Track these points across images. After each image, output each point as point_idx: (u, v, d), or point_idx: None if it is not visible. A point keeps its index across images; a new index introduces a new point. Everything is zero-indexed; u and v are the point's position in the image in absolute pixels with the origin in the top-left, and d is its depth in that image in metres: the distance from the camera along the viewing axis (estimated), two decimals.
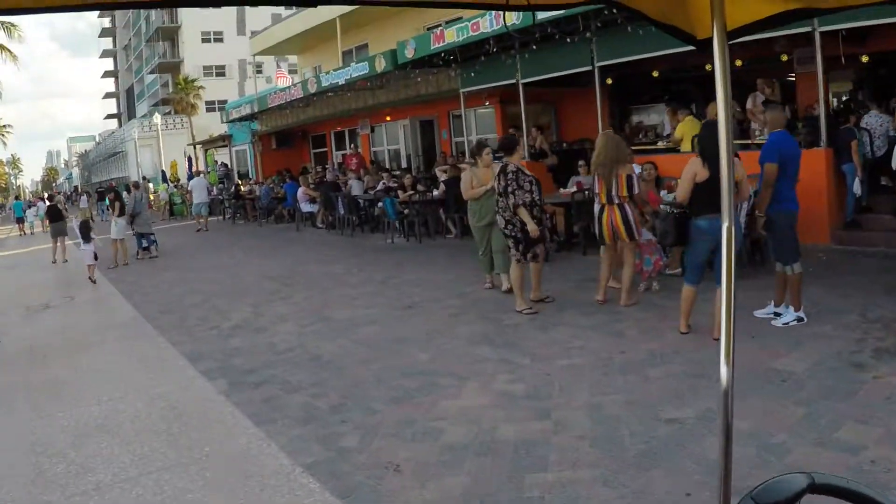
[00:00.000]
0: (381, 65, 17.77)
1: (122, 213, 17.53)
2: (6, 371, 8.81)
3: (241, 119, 29.13)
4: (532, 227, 8.29)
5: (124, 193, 18.80)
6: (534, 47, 14.85)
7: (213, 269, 15.14)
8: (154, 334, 9.67)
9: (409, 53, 16.64)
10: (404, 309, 9.50)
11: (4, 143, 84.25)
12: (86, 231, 15.65)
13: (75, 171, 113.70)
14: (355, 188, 18.64)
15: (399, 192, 16.20)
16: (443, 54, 16.27)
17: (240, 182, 29.71)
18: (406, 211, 15.62)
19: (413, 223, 15.71)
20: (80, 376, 8.05)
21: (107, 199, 44.44)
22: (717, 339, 5.34)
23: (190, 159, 38.18)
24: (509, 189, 8.34)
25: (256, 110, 26.61)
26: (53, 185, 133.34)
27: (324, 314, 9.69)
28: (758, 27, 2.20)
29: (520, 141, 8.68)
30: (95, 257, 15.49)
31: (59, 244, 20.54)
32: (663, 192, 10.32)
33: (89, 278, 15.24)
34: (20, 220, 37.91)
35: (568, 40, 14.04)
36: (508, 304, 8.92)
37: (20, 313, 12.42)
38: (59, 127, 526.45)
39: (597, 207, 8.59)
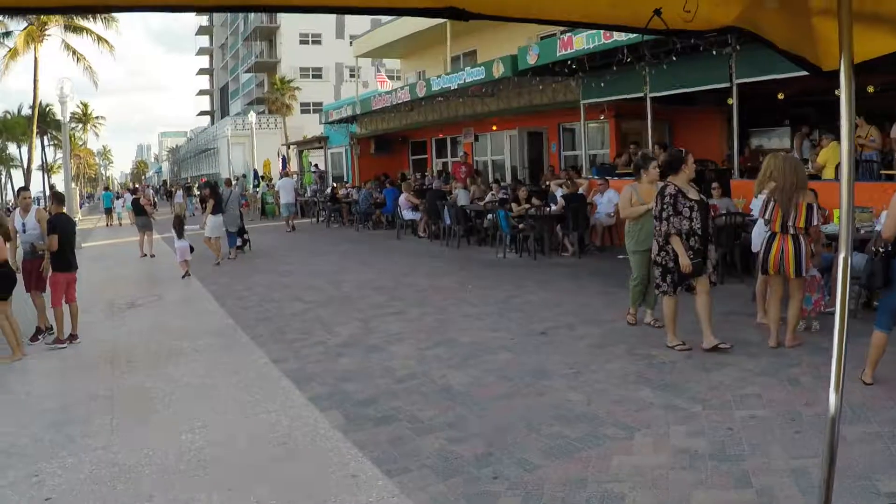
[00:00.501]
0: (498, 70, 17.18)
1: (216, 211, 17.32)
2: (85, 377, 8.34)
3: (340, 121, 28.91)
4: (684, 261, 7.41)
5: (222, 189, 18.55)
6: (671, 59, 14.06)
7: (311, 274, 14.63)
8: (251, 346, 9.08)
9: (532, 59, 15.97)
10: (537, 335, 8.70)
11: (97, 135, 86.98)
12: (179, 227, 15.47)
13: (165, 166, 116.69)
14: (461, 198, 18.02)
15: (513, 204, 15.52)
16: (570, 62, 15.59)
17: (335, 185, 29.50)
18: (521, 225, 14.93)
19: (527, 238, 15.02)
20: (169, 391, 7.45)
21: (193, 195, 45.51)
22: None
23: (284, 159, 38.27)
24: (664, 215, 7.50)
25: (358, 112, 26.28)
26: (143, 177, 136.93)
27: (445, 335, 8.95)
28: (885, 61, 2.15)
29: (687, 159, 7.84)
30: (191, 251, 15.36)
31: (146, 237, 20.62)
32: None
33: (183, 275, 15.03)
34: (108, 211, 38.70)
35: (703, 51, 13.23)
36: (654, 336, 8.14)
37: (104, 311, 12.04)
38: (151, 121, 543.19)
39: (763, 233, 7.78)
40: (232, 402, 6.95)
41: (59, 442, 6.11)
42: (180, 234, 15.37)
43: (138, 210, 21.14)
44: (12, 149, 69.53)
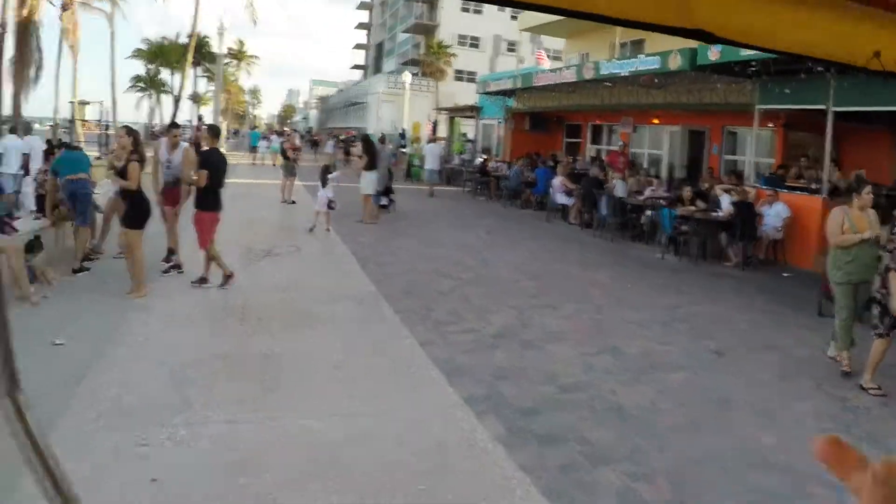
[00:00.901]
0: (675, 62, 16.41)
1: (371, 167, 17.17)
2: (211, 330, 8.02)
3: (498, 93, 28.51)
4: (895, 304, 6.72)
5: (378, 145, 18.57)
6: (861, 74, 13.02)
7: (458, 247, 14.26)
8: (396, 322, 8.62)
9: (713, 56, 15.14)
10: (711, 354, 8.01)
11: (249, 73, 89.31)
12: (325, 176, 15.48)
13: (313, 113, 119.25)
14: (619, 189, 17.42)
15: (678, 204, 14.87)
16: (751, 64, 14.78)
17: (486, 157, 29.23)
18: (684, 227, 14.28)
19: (687, 241, 14.38)
20: (301, 364, 6.98)
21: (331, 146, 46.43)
22: None
23: (435, 124, 38.30)
24: (889, 247, 6.80)
25: (519, 86, 25.76)
26: (289, 121, 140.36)
27: (608, 340, 8.31)
28: None
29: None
30: (331, 206, 15.23)
31: (288, 183, 20.92)
32: None
33: (310, 229, 15.03)
34: (254, 150, 39.81)
35: None
36: (839, 373, 7.38)
37: (240, 257, 11.80)
38: (304, 68, 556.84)
39: None
40: (373, 389, 6.45)
41: (174, 405, 5.65)
42: (324, 184, 15.38)
43: (285, 154, 21.59)
44: (165, 75, 71.87)
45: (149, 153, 11.08)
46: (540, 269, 12.63)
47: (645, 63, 17.70)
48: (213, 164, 9.75)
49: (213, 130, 10.68)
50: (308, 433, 5.37)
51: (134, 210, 9.35)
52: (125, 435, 5.11)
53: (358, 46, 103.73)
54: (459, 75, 58.41)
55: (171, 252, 10.81)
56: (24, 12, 26.47)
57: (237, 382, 6.36)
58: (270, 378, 6.51)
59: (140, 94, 74.91)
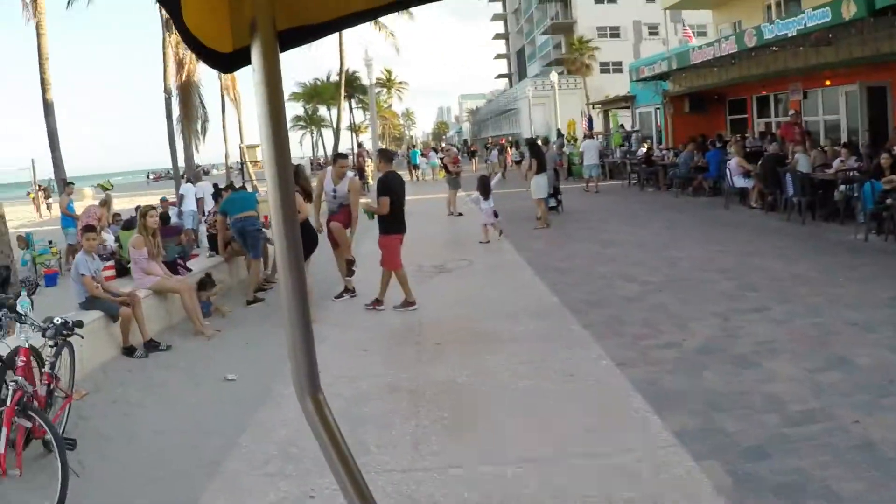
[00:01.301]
0: (849, 11, 14.48)
1: (540, 170, 16.13)
2: (385, 358, 7.53)
3: (651, 78, 26.85)
4: None
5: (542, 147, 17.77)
6: None
7: (637, 246, 13.05)
8: (585, 338, 7.65)
9: None
10: None
11: (400, 98, 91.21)
12: (485, 187, 14.68)
13: (465, 126, 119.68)
14: (802, 164, 15.57)
15: (880, 174, 12.97)
16: None
17: (648, 146, 27.65)
18: (888, 201, 12.32)
19: (894, 217, 12.35)
20: (486, 392, 6.23)
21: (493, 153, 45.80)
22: None
23: (590, 119, 36.93)
24: None
25: (675, 67, 23.93)
26: (443, 137, 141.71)
27: (831, 350, 6.80)
28: None
29: None
30: (496, 215, 14.50)
31: (453, 195, 20.33)
32: None
33: (482, 241, 14.39)
34: (415, 167, 40.19)
35: None
36: None
37: (412, 274, 10.92)
38: (450, 85, 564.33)
39: None
40: (569, 425, 5.48)
41: None
42: (486, 195, 14.61)
43: (447, 168, 21.24)
44: (322, 111, 75.60)
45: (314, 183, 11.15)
46: (733, 264, 11.14)
47: (813, 17, 15.77)
48: (393, 189, 9.57)
49: (387, 155, 10.56)
50: (496, 483, 4.56)
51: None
52: (293, 483, 4.71)
53: (499, 56, 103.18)
54: (605, 67, 56.56)
55: (351, 264, 10.65)
56: (184, 76, 28.86)
57: (415, 421, 5.72)
58: (451, 415, 5.81)
59: (302, 132, 78.67)
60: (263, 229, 11.47)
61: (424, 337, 8.19)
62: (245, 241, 11.23)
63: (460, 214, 19.77)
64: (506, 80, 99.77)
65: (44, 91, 23.65)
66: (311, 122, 78.46)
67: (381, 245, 9.75)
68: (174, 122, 30.23)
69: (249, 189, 19.34)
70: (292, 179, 1.16)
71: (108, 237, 15.39)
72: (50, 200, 40.44)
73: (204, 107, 35.31)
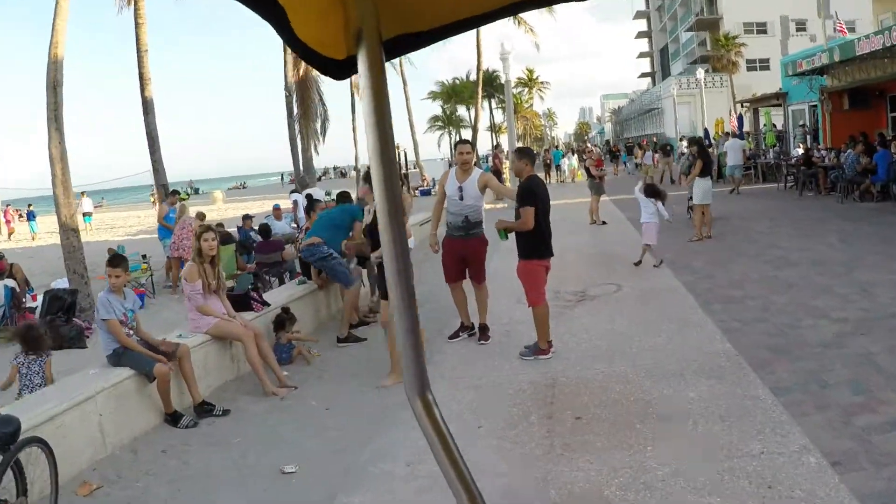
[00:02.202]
0: None
1: (705, 173, 14.02)
2: (503, 445, 5.34)
3: (809, 72, 24.00)
4: None
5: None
6: None
7: (814, 265, 10.63)
8: (779, 415, 5.37)
9: None
10: None
11: (542, 98, 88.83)
12: (656, 196, 11.92)
13: (608, 126, 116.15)
14: None
15: None
16: None
17: (806, 146, 24.82)
18: None
19: None
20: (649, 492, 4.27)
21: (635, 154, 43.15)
22: None
23: (740, 118, 33.97)
24: None
25: (837, 59, 20.90)
26: (585, 137, 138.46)
27: None
28: None
29: None
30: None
31: (596, 202, 18.15)
32: None
33: (637, 262, 11.84)
34: (557, 168, 38.31)
35: None
36: None
37: (549, 302, 9.38)
38: (591, 85, 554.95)
39: None
40: None
41: None
42: (659, 200, 11.87)
43: (589, 172, 19.07)
44: (461, 111, 73.43)
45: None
46: None
47: None
48: (540, 197, 7.32)
49: (527, 154, 7.84)
50: None
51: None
52: None
53: (641, 55, 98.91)
54: (751, 65, 52.62)
55: (464, 328, 8.57)
56: (301, 72, 25.87)
57: None
58: None
59: (440, 132, 77.20)
60: (335, 254, 9.12)
61: (559, 406, 6.06)
62: (319, 271, 9.63)
63: (604, 223, 17.69)
64: (648, 80, 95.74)
65: (142, 87, 20.40)
66: (449, 122, 76.63)
67: (520, 273, 7.58)
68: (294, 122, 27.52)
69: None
70: (398, 182, 1.12)
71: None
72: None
73: (324, 104, 32.93)
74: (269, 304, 8.46)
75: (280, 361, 7.88)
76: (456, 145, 8.68)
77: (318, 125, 32.28)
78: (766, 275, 10.45)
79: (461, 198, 8.07)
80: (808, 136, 26.12)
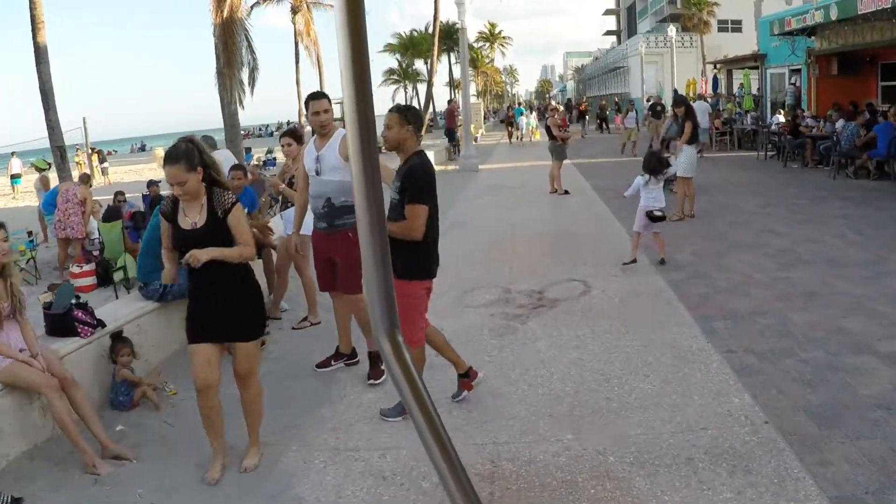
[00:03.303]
0: None
1: (692, 139, 11.61)
2: None
3: (800, 31, 21.55)
4: None
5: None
6: None
7: (828, 263, 8.35)
8: (796, 475, 3.75)
9: None
10: None
11: (503, 54, 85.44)
12: (658, 166, 8.99)
13: (570, 85, 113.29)
14: None
15: None
16: None
17: (794, 113, 22.55)
18: None
19: None
20: None
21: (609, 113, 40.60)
22: None
23: (715, 79, 31.54)
24: None
25: (834, 17, 18.29)
26: (547, 95, 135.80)
27: None
28: None
29: None
30: (653, 219, 8.80)
31: (557, 169, 15.60)
32: None
33: (629, 261, 8.90)
34: (516, 127, 36.03)
35: None
36: None
37: (487, 309, 7.08)
38: (555, 43, 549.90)
39: None
40: None
41: None
42: (659, 177, 8.94)
43: (550, 134, 16.40)
44: (419, 65, 68.98)
45: None
46: None
47: None
48: (432, 192, 4.71)
49: (409, 115, 4.82)
50: None
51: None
52: None
53: (608, 12, 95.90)
54: (723, 26, 50.11)
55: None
56: (226, 12, 21.82)
57: None
58: None
59: (395, 86, 73.24)
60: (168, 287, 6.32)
61: (501, 474, 4.00)
62: None
63: (566, 192, 15.34)
64: (614, 38, 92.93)
65: (34, 32, 16.12)
66: (406, 76, 72.51)
67: (399, 296, 5.01)
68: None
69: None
70: (374, 119, 1.05)
71: (93, 228, 11.82)
72: (105, 164, 35.92)
73: (253, 51, 28.41)
74: (103, 325, 5.76)
75: (118, 407, 5.41)
76: (307, 101, 5.78)
77: (246, 75, 28.40)
78: (773, 275, 8.07)
79: (318, 171, 5.56)
80: (792, 101, 23.80)
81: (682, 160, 11.42)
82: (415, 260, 4.67)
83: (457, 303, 7.53)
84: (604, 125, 39.27)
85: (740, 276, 8.14)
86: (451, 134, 27.87)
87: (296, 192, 6.21)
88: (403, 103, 4.95)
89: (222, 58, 21.55)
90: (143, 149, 79.14)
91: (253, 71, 29.34)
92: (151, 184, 14.69)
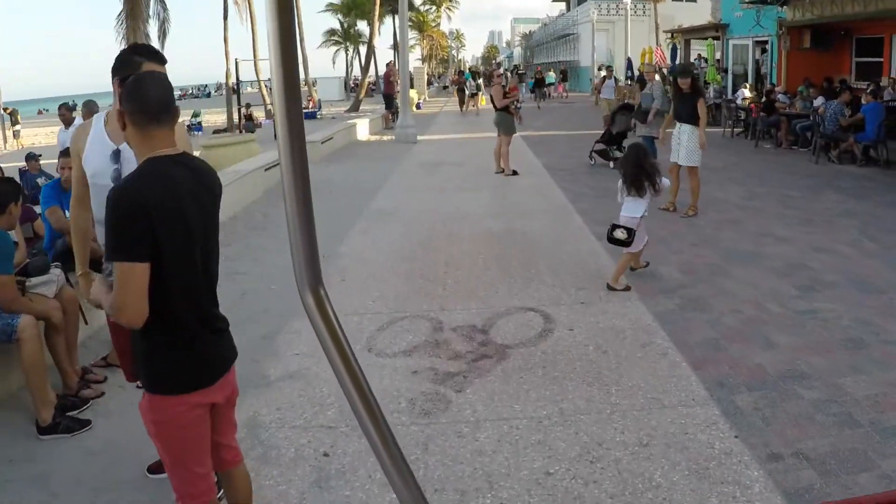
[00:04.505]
0: None
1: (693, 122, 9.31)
2: None
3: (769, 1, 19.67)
4: None
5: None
6: None
7: (857, 286, 6.35)
8: None
9: None
10: None
11: (449, 17, 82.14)
12: (636, 177, 6.47)
13: (517, 51, 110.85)
14: None
15: None
16: None
17: (748, 85, 20.63)
18: None
19: None
20: None
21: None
22: None
23: (674, 49, 29.46)
24: None
25: None
26: (493, 61, 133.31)
27: None
28: None
29: None
30: (610, 239, 6.56)
31: (505, 144, 13.19)
32: None
33: (644, 265, 7.02)
34: (471, 96, 33.51)
35: None
36: None
37: (399, 369, 4.88)
38: (502, 9, 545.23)
39: None
40: None
41: None
42: (641, 189, 6.48)
43: (494, 103, 13.71)
44: (362, 27, 64.92)
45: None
46: None
47: None
48: (168, 221, 2.28)
49: (135, 94, 2.40)
50: None
51: None
52: None
53: None
54: None
55: None
56: None
57: None
58: None
59: (336, 48, 69.45)
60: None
61: None
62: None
63: (515, 173, 13.12)
64: (563, 4, 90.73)
65: None
66: (347, 38, 68.56)
67: (146, 422, 2.45)
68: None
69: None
70: (297, 72, 1.01)
71: None
72: (17, 127, 33.13)
73: (163, 2, 25.62)
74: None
75: None
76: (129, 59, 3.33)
77: (156, 28, 25.23)
78: (793, 306, 5.98)
79: (118, 176, 3.20)
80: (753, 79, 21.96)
81: (690, 146, 9.29)
82: (159, 359, 2.45)
83: (362, 348, 5.25)
84: (542, 93, 36.99)
85: (750, 305, 6.03)
86: (388, 99, 25.37)
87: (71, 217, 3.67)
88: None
89: (125, 7, 18.57)
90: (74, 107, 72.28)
91: (164, 24, 25.92)
92: (30, 157, 11.80)
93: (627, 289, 6.41)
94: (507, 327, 5.61)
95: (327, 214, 9.89)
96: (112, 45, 19.63)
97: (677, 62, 26.63)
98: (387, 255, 7.82)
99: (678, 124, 9.58)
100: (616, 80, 20.47)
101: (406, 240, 8.52)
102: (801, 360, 4.93)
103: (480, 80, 39.24)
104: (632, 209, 6.44)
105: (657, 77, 13.25)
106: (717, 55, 26.44)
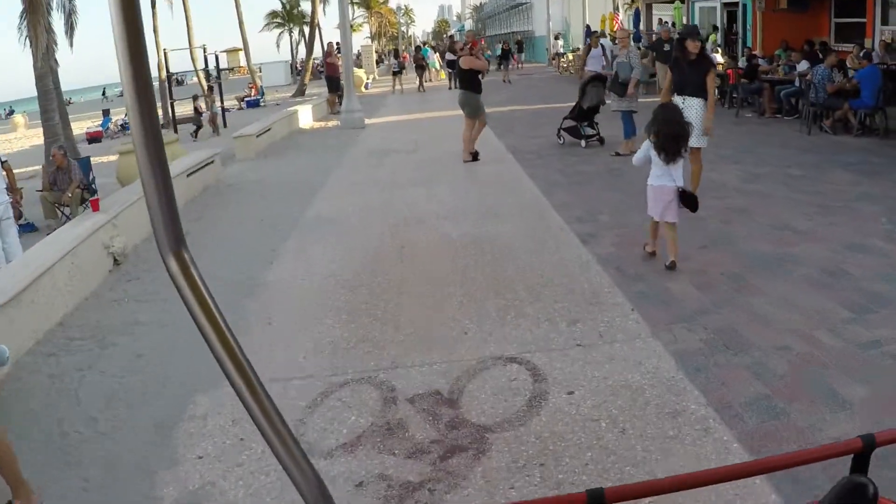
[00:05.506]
0: None
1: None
2: None
3: None
4: None
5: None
6: None
7: (878, 277, 5.33)
8: None
9: None
10: None
11: None
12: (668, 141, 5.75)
13: (468, 24, 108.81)
14: None
15: None
16: None
17: (720, 49, 19.32)
18: None
19: None
20: None
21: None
22: None
23: (637, 14, 27.93)
24: None
25: None
26: (444, 35, 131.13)
27: None
28: None
29: None
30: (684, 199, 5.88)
31: (473, 130, 11.69)
32: None
33: (669, 264, 5.99)
34: (424, 68, 31.95)
35: None
36: None
37: (338, 476, 3.41)
38: None
39: None
40: None
41: None
42: (670, 157, 5.75)
43: (464, 80, 11.90)
44: (305, 6, 61.74)
45: None
46: None
47: None
48: None
49: None
50: None
51: None
52: None
53: None
54: None
55: None
56: None
57: None
58: None
59: (279, 30, 66.21)
60: None
61: None
62: None
63: (475, 158, 11.37)
64: None
65: None
66: (290, 18, 65.15)
67: None
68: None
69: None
70: (147, 62, 0.81)
71: None
72: None
73: None
74: None
75: None
76: None
77: (62, 22, 22.84)
78: (852, 336, 4.62)
79: None
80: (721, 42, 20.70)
81: (700, 123, 7.67)
82: None
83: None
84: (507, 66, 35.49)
85: (796, 337, 4.66)
86: (332, 82, 23.42)
87: None
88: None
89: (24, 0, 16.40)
90: (12, 114, 67.46)
91: (70, 16, 23.50)
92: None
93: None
94: (483, 393, 4.16)
95: (256, 227, 8.38)
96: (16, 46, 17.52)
97: (640, 28, 25.26)
98: (324, 283, 6.31)
99: (683, 98, 7.92)
100: (603, 47, 18.68)
101: (348, 258, 7.00)
102: (888, 423, 3.57)
103: (437, 55, 37.94)
104: (678, 175, 5.96)
105: (632, 44, 11.83)
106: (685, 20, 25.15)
